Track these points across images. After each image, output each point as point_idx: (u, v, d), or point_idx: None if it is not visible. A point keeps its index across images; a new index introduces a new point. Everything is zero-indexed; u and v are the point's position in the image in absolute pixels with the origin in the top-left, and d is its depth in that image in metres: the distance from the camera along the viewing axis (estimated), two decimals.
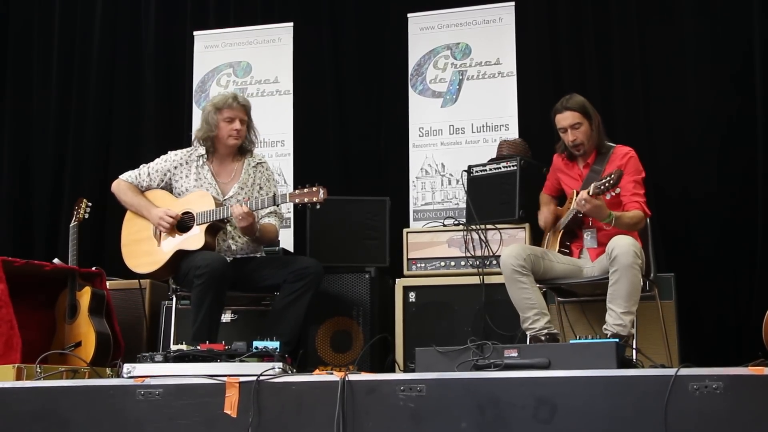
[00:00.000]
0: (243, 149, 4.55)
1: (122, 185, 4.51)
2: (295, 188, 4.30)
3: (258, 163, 4.58)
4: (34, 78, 6.47)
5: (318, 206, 4.22)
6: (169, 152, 4.56)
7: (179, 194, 4.46)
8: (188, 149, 4.56)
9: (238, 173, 4.51)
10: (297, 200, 4.21)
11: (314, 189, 4.18)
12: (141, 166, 4.54)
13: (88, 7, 6.46)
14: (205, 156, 4.49)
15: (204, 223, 4.28)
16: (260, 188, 4.52)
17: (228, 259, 4.35)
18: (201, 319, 4.08)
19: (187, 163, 4.49)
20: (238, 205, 4.22)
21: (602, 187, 3.92)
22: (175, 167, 4.49)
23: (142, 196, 4.47)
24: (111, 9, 6.43)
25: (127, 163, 5.45)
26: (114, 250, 4.58)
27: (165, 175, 4.49)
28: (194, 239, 4.28)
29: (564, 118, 4.23)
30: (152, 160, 4.60)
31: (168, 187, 4.50)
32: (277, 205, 4.40)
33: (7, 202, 6.30)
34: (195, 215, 4.31)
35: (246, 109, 4.50)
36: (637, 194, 4.13)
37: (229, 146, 4.48)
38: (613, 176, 3.91)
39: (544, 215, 4.39)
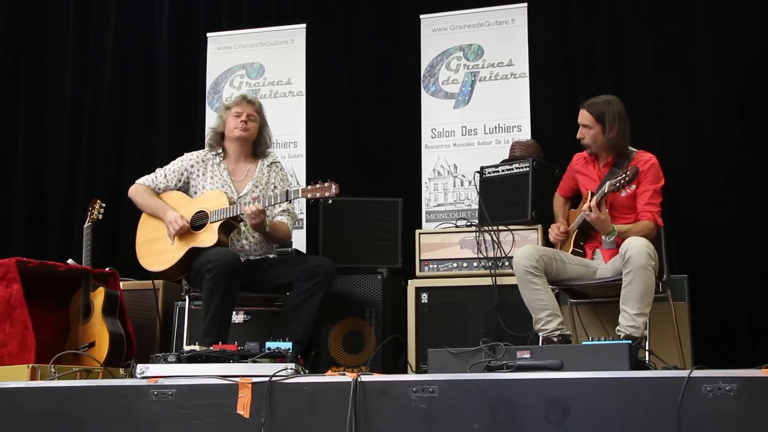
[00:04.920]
0: (256, 152, 4.59)
1: (139, 189, 4.55)
2: (307, 184, 4.32)
3: (272, 163, 4.62)
4: (49, 79, 6.50)
5: (330, 201, 4.27)
6: (185, 154, 4.63)
7: (195, 193, 4.50)
8: (204, 150, 4.62)
9: (251, 172, 4.55)
10: (309, 195, 4.24)
11: (326, 184, 4.21)
12: (157, 170, 4.60)
13: (102, 8, 6.48)
14: (222, 155, 4.53)
15: (217, 220, 4.30)
16: (274, 187, 4.55)
17: (241, 259, 4.36)
18: (212, 315, 4.09)
19: (203, 161, 4.54)
20: (248, 205, 4.24)
21: (617, 184, 3.93)
22: (192, 166, 4.54)
23: (158, 198, 4.50)
24: (125, 10, 6.45)
25: (140, 163, 5.49)
26: (128, 250, 4.60)
27: (182, 174, 4.53)
28: (207, 236, 4.30)
29: (581, 115, 4.26)
30: (165, 160, 4.65)
31: (185, 187, 4.54)
32: (290, 201, 4.42)
33: (21, 203, 6.33)
34: (209, 213, 4.33)
35: (255, 105, 4.57)
36: (652, 204, 4.13)
37: (236, 139, 4.52)
38: (628, 173, 3.92)
39: (554, 233, 4.37)
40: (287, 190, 4.38)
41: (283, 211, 4.52)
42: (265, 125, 4.62)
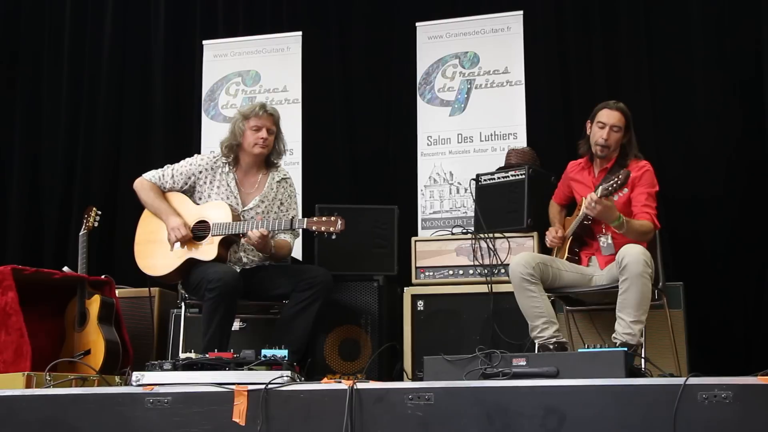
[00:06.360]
0: (269, 162, 4.53)
1: (145, 184, 4.48)
2: (312, 214, 4.28)
3: (282, 179, 4.55)
4: (44, 87, 6.50)
5: (334, 236, 4.19)
6: (195, 155, 4.57)
7: (200, 199, 4.44)
8: (215, 155, 4.54)
9: (261, 185, 4.49)
10: (314, 227, 4.20)
11: (332, 218, 4.17)
12: (165, 167, 4.52)
13: (97, 15, 6.47)
14: (232, 164, 4.47)
15: (219, 234, 4.27)
16: (281, 204, 4.51)
17: (237, 269, 4.35)
18: (212, 332, 4.09)
19: (212, 168, 4.46)
20: (252, 232, 4.19)
21: (610, 188, 3.93)
22: (200, 172, 4.46)
23: (162, 199, 4.44)
24: (120, 18, 6.45)
25: (136, 171, 5.45)
26: (123, 258, 4.58)
27: (189, 178, 4.46)
28: (207, 250, 4.27)
29: (611, 116, 4.23)
30: (162, 168, 4.61)
31: (191, 191, 4.48)
32: (293, 230, 4.39)
33: (17, 211, 6.32)
34: (211, 225, 4.31)
35: (274, 118, 4.47)
36: (648, 206, 4.13)
37: (254, 155, 4.44)
38: (620, 177, 3.91)
39: (551, 235, 4.37)
40: (292, 218, 4.36)
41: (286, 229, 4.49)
42: (280, 134, 4.52)
